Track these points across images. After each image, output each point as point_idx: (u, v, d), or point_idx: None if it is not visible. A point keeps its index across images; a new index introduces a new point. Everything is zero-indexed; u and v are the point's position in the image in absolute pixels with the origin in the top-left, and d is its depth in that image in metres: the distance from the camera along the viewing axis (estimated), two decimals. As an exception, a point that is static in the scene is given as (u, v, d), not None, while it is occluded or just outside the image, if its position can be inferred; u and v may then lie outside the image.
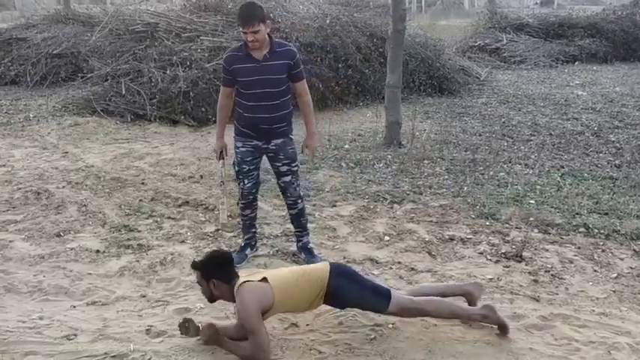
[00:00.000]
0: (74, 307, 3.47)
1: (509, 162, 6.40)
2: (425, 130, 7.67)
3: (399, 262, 4.10)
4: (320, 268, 3.16)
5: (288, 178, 3.94)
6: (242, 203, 4.09)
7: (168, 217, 4.87)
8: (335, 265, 3.23)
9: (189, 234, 4.56)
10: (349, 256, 4.18)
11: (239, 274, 3.11)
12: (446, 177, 5.90)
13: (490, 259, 4.17)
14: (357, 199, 5.31)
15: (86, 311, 3.41)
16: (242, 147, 3.88)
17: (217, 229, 4.62)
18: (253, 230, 4.19)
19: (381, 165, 6.26)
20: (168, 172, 6.02)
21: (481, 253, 4.26)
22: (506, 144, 7.17)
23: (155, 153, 6.74)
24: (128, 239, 4.42)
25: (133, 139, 7.39)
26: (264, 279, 3.02)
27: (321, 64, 8.91)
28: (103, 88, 8.73)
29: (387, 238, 4.51)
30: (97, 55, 9.63)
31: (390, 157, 6.47)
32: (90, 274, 3.90)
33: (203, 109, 8.01)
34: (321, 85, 8.72)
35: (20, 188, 5.43)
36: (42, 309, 3.43)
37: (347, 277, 3.14)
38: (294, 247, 4.28)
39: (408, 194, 5.41)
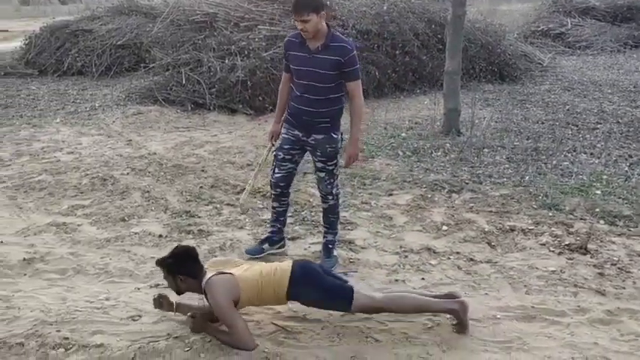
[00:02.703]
0: (138, 289, 3.60)
1: (574, 151, 6.18)
2: (485, 117, 7.50)
3: (458, 253, 4.04)
4: (283, 269, 3.10)
5: (322, 174, 3.82)
6: (272, 194, 4.04)
7: (228, 204, 4.95)
8: (297, 267, 3.12)
9: (247, 220, 4.63)
10: (406, 246, 4.15)
11: (213, 264, 3.20)
12: (507, 166, 5.75)
13: (553, 251, 4.05)
14: (414, 187, 5.25)
15: (149, 293, 3.52)
16: (285, 134, 3.84)
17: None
18: (279, 226, 4.09)
19: (439, 153, 6.16)
20: (227, 159, 6.12)
21: (543, 245, 4.14)
22: (570, 132, 6.92)
23: (214, 141, 6.86)
24: (189, 225, 4.53)
25: (193, 127, 7.55)
26: (232, 274, 3.05)
27: (378, 51, 8.85)
28: (164, 77, 8.93)
29: (445, 227, 4.44)
30: (158, 45, 9.87)
31: (448, 145, 6.36)
32: (153, 257, 3.99)
33: (260, 97, 8.09)
34: (377, 73, 8.68)
35: (87, 174, 5.64)
36: (108, 290, 3.57)
37: (307, 280, 3.08)
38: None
39: (467, 183, 5.30)
